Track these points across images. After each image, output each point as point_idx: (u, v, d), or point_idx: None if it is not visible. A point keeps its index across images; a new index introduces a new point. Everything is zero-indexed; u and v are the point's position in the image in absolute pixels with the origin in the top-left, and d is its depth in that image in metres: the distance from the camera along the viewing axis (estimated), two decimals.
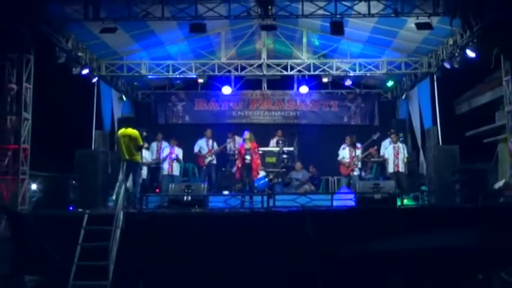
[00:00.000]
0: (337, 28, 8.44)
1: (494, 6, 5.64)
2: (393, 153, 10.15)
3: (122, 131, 7.68)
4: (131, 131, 7.58)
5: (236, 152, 10.13)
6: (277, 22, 8.88)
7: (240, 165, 9.51)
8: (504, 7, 5.47)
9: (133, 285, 6.71)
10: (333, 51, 11.80)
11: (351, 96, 13.40)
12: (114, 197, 7.65)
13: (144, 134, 8.14)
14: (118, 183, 7.51)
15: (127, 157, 7.53)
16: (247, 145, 9.50)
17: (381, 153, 10.49)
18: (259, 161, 9.66)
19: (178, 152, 10.60)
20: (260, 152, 10.76)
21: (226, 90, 12.58)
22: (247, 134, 9.68)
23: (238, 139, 10.98)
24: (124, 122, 7.83)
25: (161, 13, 8.33)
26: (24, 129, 7.94)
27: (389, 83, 12.68)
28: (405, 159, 10.20)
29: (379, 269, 6.80)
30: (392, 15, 8.26)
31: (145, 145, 8.86)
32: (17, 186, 7.70)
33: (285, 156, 10.72)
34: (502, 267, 7.46)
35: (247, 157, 9.40)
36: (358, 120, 13.27)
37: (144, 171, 9.87)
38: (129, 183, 7.67)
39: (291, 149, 10.99)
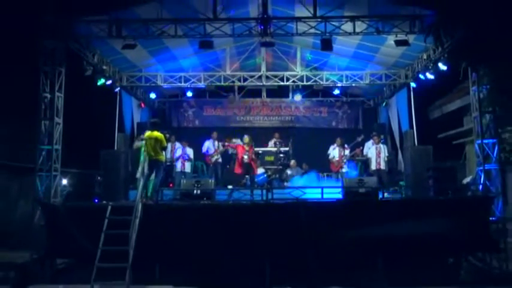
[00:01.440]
0: (326, 44, 8.45)
1: (462, 26, 5.67)
2: (375, 152, 10.15)
3: (149, 133, 7.59)
4: (157, 133, 7.50)
5: (234, 149, 10.10)
6: (275, 39, 8.88)
7: (240, 162, 9.48)
8: (471, 27, 5.50)
9: (150, 268, 6.70)
10: (323, 65, 11.80)
11: (339, 104, 13.40)
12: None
13: (167, 136, 8.14)
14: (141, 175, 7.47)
15: (152, 156, 7.47)
16: (246, 147, 9.49)
17: (365, 153, 10.49)
18: (255, 163, 9.65)
19: (190, 152, 10.62)
20: (260, 152, 10.79)
21: (231, 98, 12.62)
22: (246, 138, 9.66)
23: (235, 140, 10.94)
24: (151, 126, 7.82)
25: (174, 32, 8.35)
26: (56, 132, 7.95)
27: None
28: (386, 158, 10.21)
29: (363, 252, 6.79)
30: (375, 33, 8.27)
31: None
32: (50, 181, 7.73)
33: (281, 155, 10.71)
34: (470, 252, 7.47)
35: (245, 157, 9.39)
36: (344, 124, 13.28)
37: None
38: (152, 177, 7.65)
39: (287, 149, 11.00)
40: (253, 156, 9.55)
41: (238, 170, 9.61)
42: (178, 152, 10.48)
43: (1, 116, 11.15)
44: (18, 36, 10.68)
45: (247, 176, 9.64)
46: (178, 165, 10.44)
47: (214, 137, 10.96)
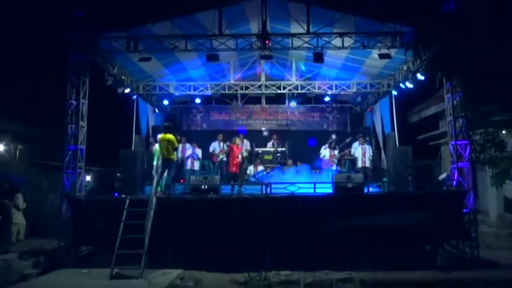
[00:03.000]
0: (318, 57, 8.44)
1: (437, 41, 5.67)
2: (361, 152, 10.14)
3: (162, 135, 7.57)
4: (169, 136, 7.48)
5: (228, 150, 10.04)
6: (273, 53, 8.88)
7: (234, 161, 9.40)
8: (445, 42, 5.49)
9: (163, 253, 6.69)
10: (315, 75, 11.81)
11: (329, 109, 13.34)
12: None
13: (178, 137, 8.13)
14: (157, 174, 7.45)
15: (165, 155, 7.45)
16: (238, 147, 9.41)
17: (352, 153, 10.48)
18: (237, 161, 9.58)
19: (199, 152, 10.61)
20: (260, 152, 10.77)
21: (234, 104, 12.60)
22: (236, 139, 9.58)
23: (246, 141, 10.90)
24: (164, 129, 7.81)
25: (185, 46, 8.35)
26: (81, 134, 7.95)
27: None
28: (370, 157, 10.20)
29: (351, 240, 6.77)
30: (361, 47, 8.26)
31: None
32: (75, 178, 7.72)
33: (278, 154, 10.71)
34: (445, 240, 7.45)
35: (239, 156, 9.33)
36: (334, 127, 13.19)
37: None
38: (165, 175, 7.64)
39: (284, 149, 10.98)
40: (245, 155, 9.44)
41: (232, 168, 9.52)
42: (188, 152, 10.47)
43: (34, 120, 11.17)
44: (49, 51, 10.71)
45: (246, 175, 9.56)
46: (188, 164, 10.43)
47: (220, 139, 10.93)
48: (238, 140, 9.60)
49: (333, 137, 10.66)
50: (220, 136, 11.03)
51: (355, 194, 7.46)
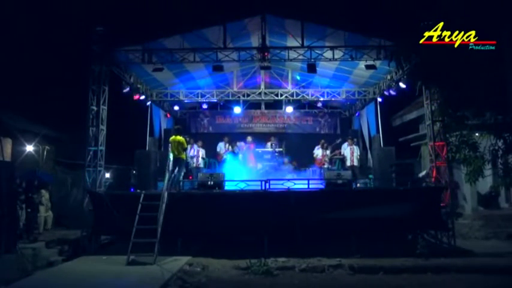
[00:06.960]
0: (311, 68, 8.44)
1: (417, 54, 5.68)
2: (350, 152, 10.12)
3: (173, 137, 7.59)
4: (179, 137, 7.51)
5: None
6: (271, 64, 8.89)
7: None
8: (423, 54, 5.50)
9: (173, 242, 6.69)
10: (309, 84, 11.80)
11: (321, 114, 13.31)
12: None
13: (187, 139, 8.13)
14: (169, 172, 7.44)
15: (176, 155, 7.46)
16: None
17: (342, 153, 10.48)
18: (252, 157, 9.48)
19: (202, 151, 10.60)
20: (260, 151, 10.76)
21: (237, 109, 12.60)
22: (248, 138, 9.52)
23: (239, 143, 10.87)
24: (175, 131, 7.82)
25: (193, 58, 8.35)
26: (101, 136, 7.95)
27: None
28: (358, 157, 10.18)
29: (340, 230, 6.77)
30: (349, 59, 8.26)
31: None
32: (96, 175, 7.72)
33: (276, 154, 10.71)
34: (424, 230, 7.44)
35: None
36: (326, 130, 13.18)
37: None
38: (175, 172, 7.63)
39: (281, 149, 10.98)
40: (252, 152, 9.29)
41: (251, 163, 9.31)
42: (192, 153, 10.50)
43: (60, 124, 11.20)
44: (73, 63, 10.74)
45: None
46: (194, 162, 10.44)
47: (226, 140, 10.97)
48: (249, 138, 9.55)
49: (322, 141, 10.70)
50: (226, 138, 11.05)
51: (344, 189, 7.44)
